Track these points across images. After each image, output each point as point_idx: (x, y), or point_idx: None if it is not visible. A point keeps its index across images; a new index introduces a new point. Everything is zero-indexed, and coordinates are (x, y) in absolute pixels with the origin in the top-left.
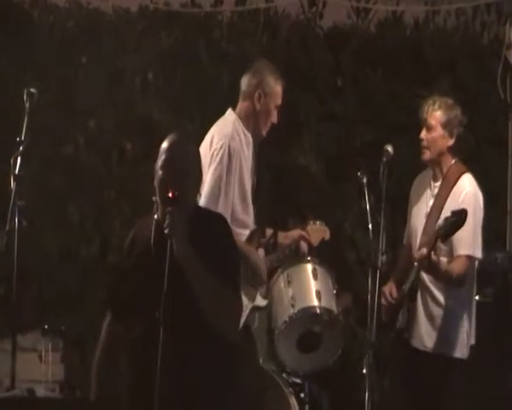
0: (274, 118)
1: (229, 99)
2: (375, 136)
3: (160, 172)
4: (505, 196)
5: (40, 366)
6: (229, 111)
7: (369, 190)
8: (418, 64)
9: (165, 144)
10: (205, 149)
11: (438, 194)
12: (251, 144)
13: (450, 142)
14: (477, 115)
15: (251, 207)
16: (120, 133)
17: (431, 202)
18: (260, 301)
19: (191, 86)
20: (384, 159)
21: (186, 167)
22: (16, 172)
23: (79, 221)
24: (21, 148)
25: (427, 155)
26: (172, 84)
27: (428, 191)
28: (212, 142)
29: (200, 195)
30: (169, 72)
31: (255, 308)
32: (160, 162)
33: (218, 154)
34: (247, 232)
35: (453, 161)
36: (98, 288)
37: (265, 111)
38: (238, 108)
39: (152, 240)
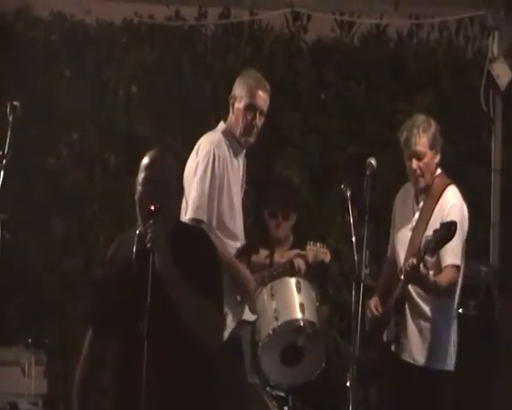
0: (255, 121)
1: (212, 112)
2: (358, 149)
3: (141, 188)
4: (489, 208)
5: (23, 379)
6: (221, 122)
7: (352, 203)
8: (402, 78)
9: (145, 160)
10: (192, 158)
11: (423, 207)
12: (241, 155)
13: (438, 158)
14: (460, 129)
15: (240, 217)
16: (104, 147)
17: (416, 216)
18: (249, 316)
19: (175, 100)
20: (368, 172)
21: (166, 182)
22: None
23: (63, 234)
24: (4, 161)
25: (421, 182)
26: (156, 97)
27: (413, 205)
28: (198, 150)
29: (180, 209)
30: (152, 85)
31: (243, 323)
32: (140, 178)
33: (203, 161)
34: (237, 244)
35: (437, 173)
36: (81, 301)
37: (238, 113)
38: (228, 118)
39: (134, 254)
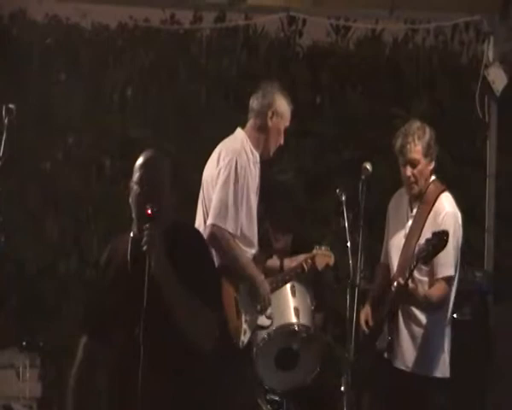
0: (282, 139)
1: (206, 115)
2: (353, 154)
3: (136, 188)
4: (483, 214)
5: (18, 382)
6: (239, 130)
7: (347, 208)
8: (397, 82)
9: (140, 161)
10: (211, 165)
11: (417, 214)
12: (258, 164)
13: (432, 165)
14: (455, 134)
15: (255, 225)
16: (99, 150)
17: (409, 223)
18: (264, 321)
19: (170, 103)
20: (363, 176)
21: (161, 183)
22: None
23: (57, 237)
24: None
25: (415, 189)
26: (151, 100)
27: (407, 211)
28: (219, 158)
29: (174, 209)
30: (148, 88)
31: (258, 327)
32: (135, 178)
33: (225, 170)
34: (252, 251)
35: (431, 179)
36: (76, 303)
37: (276, 130)
38: (248, 127)
39: (129, 257)
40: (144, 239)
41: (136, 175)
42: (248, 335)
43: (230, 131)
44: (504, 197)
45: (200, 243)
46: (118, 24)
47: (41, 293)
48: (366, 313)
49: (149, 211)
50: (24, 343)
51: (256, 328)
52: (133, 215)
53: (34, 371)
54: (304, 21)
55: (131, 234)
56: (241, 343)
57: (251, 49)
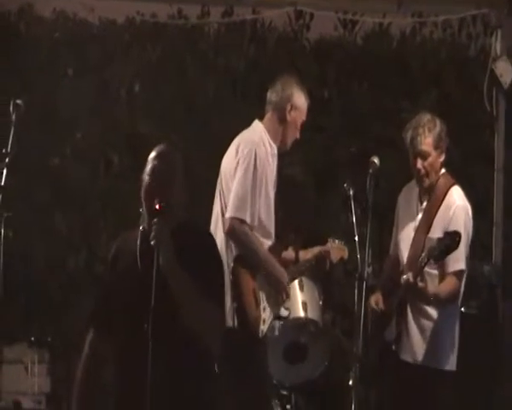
0: (298, 133)
1: (214, 109)
2: (361, 147)
3: (147, 179)
4: (492, 208)
5: (26, 377)
6: (256, 122)
7: (355, 202)
8: (405, 76)
9: (153, 153)
10: (230, 156)
11: (427, 207)
12: (275, 156)
13: (442, 157)
14: (464, 127)
15: (273, 216)
16: (107, 145)
17: (419, 216)
18: (282, 312)
19: (178, 98)
20: (370, 170)
21: (172, 177)
22: (2, 183)
23: (66, 232)
24: (7, 159)
25: (426, 182)
26: (159, 95)
27: (417, 204)
28: (237, 150)
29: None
30: (155, 83)
31: (277, 318)
32: (147, 170)
33: (244, 161)
34: (269, 243)
35: (442, 172)
36: (84, 299)
37: (294, 124)
38: (266, 119)
39: (138, 251)
40: (152, 234)
41: (148, 167)
42: (268, 324)
43: (238, 125)
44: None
45: (209, 241)
46: (125, 19)
47: (49, 288)
48: (376, 297)
49: (157, 206)
50: (32, 339)
51: (275, 318)
52: (143, 209)
53: (43, 366)
54: (311, 15)
55: (141, 228)
56: (260, 333)
57: (258, 44)
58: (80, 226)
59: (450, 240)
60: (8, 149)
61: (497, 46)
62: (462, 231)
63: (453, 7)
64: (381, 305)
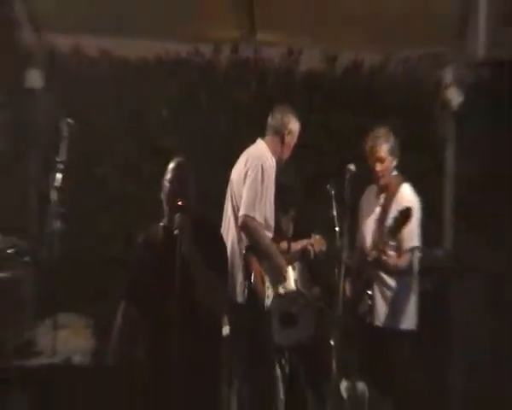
0: (290, 151)
1: (223, 130)
2: (342, 158)
3: (168, 185)
4: (442, 206)
5: (76, 339)
6: (260, 140)
7: (335, 201)
8: (375, 104)
9: (172, 164)
10: (239, 167)
11: (384, 203)
12: (274, 168)
13: (395, 162)
14: (422, 146)
15: (273, 215)
16: (138, 158)
17: (378, 209)
18: (281, 290)
19: (194, 120)
20: (347, 176)
21: (188, 182)
22: (57, 185)
23: (107, 228)
24: (62, 166)
25: (382, 181)
26: (179, 117)
27: (376, 202)
28: (246, 162)
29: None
30: (176, 109)
31: (277, 295)
32: (167, 178)
33: (253, 171)
34: (270, 235)
35: (394, 174)
36: (120, 279)
37: (289, 145)
38: (268, 139)
39: (161, 241)
40: (176, 225)
41: (168, 175)
42: (271, 299)
43: (242, 143)
44: (460, 195)
45: (217, 233)
46: (155, 56)
47: (95, 270)
48: (347, 285)
49: (180, 202)
50: (80, 309)
51: (275, 295)
52: (164, 207)
53: (88, 330)
54: (300, 51)
55: (162, 223)
56: (265, 305)
57: (259, 77)
58: (118, 222)
59: (403, 214)
60: (64, 159)
61: (448, 77)
62: (414, 213)
63: (413, 46)
64: (350, 292)
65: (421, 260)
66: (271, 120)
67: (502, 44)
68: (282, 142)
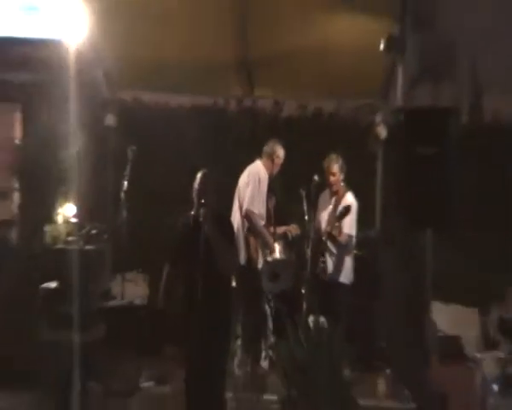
0: (277, 169)
1: (230, 155)
2: (309, 173)
3: (197, 187)
4: (374, 204)
5: (136, 288)
6: (257, 161)
7: (306, 199)
8: (332, 136)
9: (199, 174)
10: (243, 178)
11: (334, 203)
12: (267, 179)
13: (342, 177)
14: (360, 168)
15: (265, 210)
16: (179, 173)
17: (330, 206)
18: (269, 259)
19: (211, 149)
20: (313, 184)
21: (210, 185)
22: (124, 189)
23: (157, 215)
24: (127, 177)
25: (334, 189)
26: (206, 146)
27: (329, 202)
28: (248, 175)
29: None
30: (201, 143)
31: (266, 262)
32: (196, 183)
33: (252, 180)
34: (263, 223)
35: (341, 185)
36: (165, 251)
37: (277, 165)
38: (263, 160)
39: (191, 226)
40: (201, 215)
41: (196, 181)
42: (262, 264)
43: (244, 165)
44: (385, 193)
45: (229, 222)
46: (191, 105)
47: (148, 246)
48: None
49: (203, 201)
50: (140, 270)
51: (265, 261)
52: (194, 203)
53: (145, 283)
54: (283, 103)
55: (192, 213)
56: (259, 269)
57: (255, 121)
58: (163, 211)
59: (345, 209)
60: (128, 174)
61: (378, 119)
62: (353, 213)
63: (358, 98)
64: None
65: (359, 237)
66: (265, 148)
67: (413, 97)
68: (272, 162)
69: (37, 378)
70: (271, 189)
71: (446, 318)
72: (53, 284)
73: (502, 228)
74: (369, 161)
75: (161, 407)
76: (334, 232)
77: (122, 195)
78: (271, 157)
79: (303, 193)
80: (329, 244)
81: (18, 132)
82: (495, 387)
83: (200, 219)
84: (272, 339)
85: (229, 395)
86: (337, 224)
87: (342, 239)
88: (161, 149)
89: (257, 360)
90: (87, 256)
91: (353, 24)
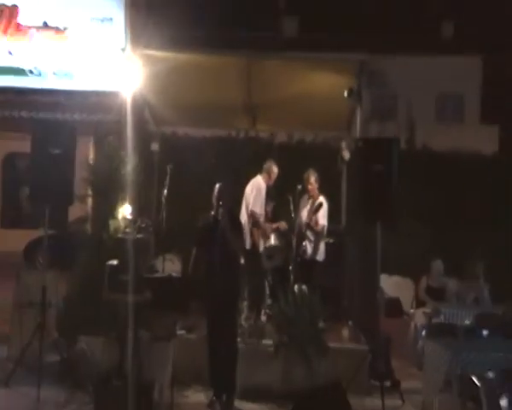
0: (273, 182)
1: (238, 173)
2: (294, 183)
3: (216, 195)
4: (340, 205)
5: (173, 265)
6: (258, 176)
7: (293, 202)
8: (310, 158)
9: (217, 185)
10: (249, 188)
11: (311, 204)
12: (265, 189)
13: (317, 185)
14: (330, 178)
15: (264, 210)
16: (203, 185)
17: (308, 206)
18: (267, 245)
19: (227, 166)
20: (297, 191)
21: (226, 193)
22: (165, 195)
23: (187, 214)
24: (167, 186)
25: (311, 193)
26: (221, 166)
27: (307, 203)
28: (252, 186)
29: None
30: (217, 166)
31: (265, 247)
32: (215, 191)
33: (255, 189)
34: (262, 219)
35: (316, 192)
36: (193, 239)
37: (272, 179)
38: (262, 175)
39: (212, 221)
40: (219, 214)
41: (215, 190)
42: (262, 248)
43: (249, 179)
44: (350, 197)
45: (239, 221)
46: (211, 136)
47: (181, 236)
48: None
49: (221, 203)
50: (175, 253)
51: (264, 246)
52: (214, 205)
53: (180, 260)
54: (276, 134)
55: (212, 213)
56: (260, 251)
57: (257, 147)
58: (192, 211)
59: (318, 205)
60: (167, 183)
61: (343, 145)
62: (324, 208)
63: (330, 130)
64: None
65: (329, 229)
66: (264, 166)
67: (368, 131)
68: (269, 177)
69: (102, 328)
70: (269, 196)
71: (390, 285)
72: (115, 262)
73: (429, 221)
74: (337, 175)
75: (191, 348)
76: (312, 224)
77: (163, 199)
78: (268, 173)
79: (290, 198)
80: (308, 234)
81: (92, 155)
82: (423, 333)
83: (219, 217)
84: (269, 301)
85: (238, 340)
86: (313, 216)
87: (318, 228)
88: (190, 167)
89: (258, 315)
90: (138, 243)
91: (326, 79)
